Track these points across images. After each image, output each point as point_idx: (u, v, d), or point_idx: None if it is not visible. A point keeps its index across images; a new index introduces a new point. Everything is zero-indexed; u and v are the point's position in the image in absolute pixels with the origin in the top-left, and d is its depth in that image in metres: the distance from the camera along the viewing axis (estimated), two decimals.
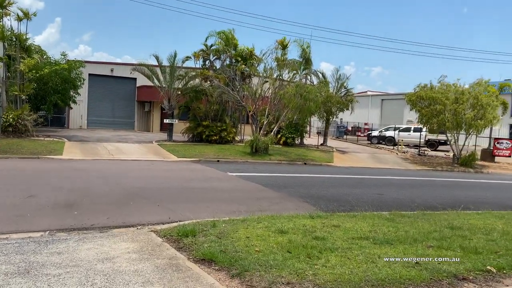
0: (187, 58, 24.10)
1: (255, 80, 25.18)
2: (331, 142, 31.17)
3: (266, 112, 22.10)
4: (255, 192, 11.17)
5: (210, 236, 6.15)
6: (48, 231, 6.60)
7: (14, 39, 20.95)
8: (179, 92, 23.67)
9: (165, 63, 23.54)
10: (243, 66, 24.61)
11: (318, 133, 31.59)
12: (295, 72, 24.51)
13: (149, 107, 32.78)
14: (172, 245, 5.83)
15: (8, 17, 20.30)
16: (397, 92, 49.85)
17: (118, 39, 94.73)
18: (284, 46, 24.64)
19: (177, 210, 8.47)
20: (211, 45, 24.74)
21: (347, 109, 28.00)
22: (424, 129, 31.57)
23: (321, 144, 28.65)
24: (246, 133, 26.94)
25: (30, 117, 20.41)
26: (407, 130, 33.39)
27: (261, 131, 21.70)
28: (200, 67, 25.26)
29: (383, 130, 35.94)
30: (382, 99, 52.20)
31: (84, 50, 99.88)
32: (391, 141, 33.61)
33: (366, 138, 38.70)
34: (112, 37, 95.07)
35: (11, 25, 21.16)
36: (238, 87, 22.76)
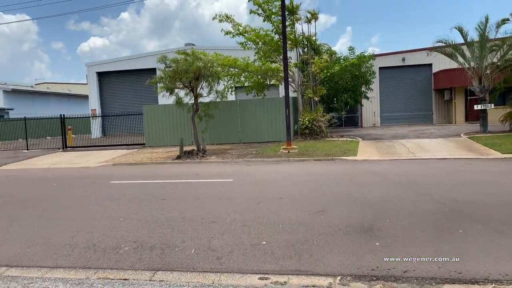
0: (504, 21, 18.05)
1: None
2: None
3: None
4: None
5: None
6: (339, 277, 4.28)
7: (306, 42, 21.29)
8: (495, 66, 17.98)
9: (472, 35, 18.49)
10: None
11: None
12: None
13: (449, 94, 27.69)
14: None
15: (299, 21, 20.81)
16: None
17: (407, 32, 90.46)
18: None
19: None
20: None
21: None
22: None
23: None
24: None
25: (323, 118, 20.12)
26: None
27: None
28: None
29: None
30: None
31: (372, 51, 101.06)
32: None
33: None
34: (400, 34, 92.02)
35: (302, 29, 21.68)
36: None
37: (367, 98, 24.72)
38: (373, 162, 13.55)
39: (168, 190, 9.84)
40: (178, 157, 16.49)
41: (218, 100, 17.81)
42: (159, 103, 26.26)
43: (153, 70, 22.59)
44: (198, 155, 16.54)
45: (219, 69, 18.53)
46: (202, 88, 17.32)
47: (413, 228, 5.78)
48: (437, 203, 7.07)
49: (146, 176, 12.53)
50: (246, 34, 21.06)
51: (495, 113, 20.09)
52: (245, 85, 22.61)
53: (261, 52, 21.41)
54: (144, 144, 22.05)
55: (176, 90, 17.04)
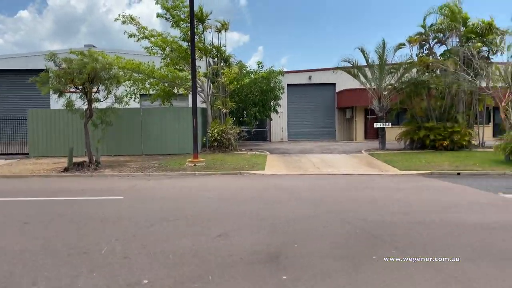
0: (400, 46, 19.34)
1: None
2: None
3: None
4: None
5: None
6: None
7: (216, 52, 20.54)
8: (392, 87, 19.08)
9: (372, 56, 19.44)
10: (479, 44, 18.17)
11: None
12: None
13: (350, 113, 29.12)
14: None
15: (208, 30, 20.02)
16: None
17: (315, 50, 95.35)
18: None
19: (470, 279, 4.13)
20: (431, 25, 19.26)
21: None
22: None
23: None
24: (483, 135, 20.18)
25: (233, 130, 19.44)
26: None
27: None
28: (416, 55, 20.03)
29: None
30: None
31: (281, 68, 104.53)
32: None
33: None
34: (308, 55, 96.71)
35: (212, 39, 20.94)
36: (479, 70, 16.56)
37: (276, 112, 24.71)
38: (281, 177, 13.07)
39: (37, 210, 8.03)
40: (66, 169, 14.32)
41: (116, 106, 16.01)
42: (51, 107, 23.19)
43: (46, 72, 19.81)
44: (90, 168, 14.55)
45: (120, 73, 16.79)
46: (99, 92, 15.44)
47: (324, 255, 5.09)
48: (348, 224, 6.56)
49: (16, 192, 10.38)
50: (152, 38, 19.63)
51: (392, 132, 21.35)
52: (151, 92, 21.03)
53: (168, 58, 20.11)
54: (27, 153, 19.07)
55: (69, 94, 14.93)
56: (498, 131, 23.69)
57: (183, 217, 7.12)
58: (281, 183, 11.64)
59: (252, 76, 21.08)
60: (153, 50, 20.01)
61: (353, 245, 5.44)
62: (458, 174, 13.82)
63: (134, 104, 21.08)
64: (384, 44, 18.73)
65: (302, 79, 30.76)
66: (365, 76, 19.70)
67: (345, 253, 5.16)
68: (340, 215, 7.15)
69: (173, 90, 20.84)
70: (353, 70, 19.99)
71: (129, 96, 19.88)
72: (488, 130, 25.28)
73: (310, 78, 30.62)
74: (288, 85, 29.97)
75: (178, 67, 19.97)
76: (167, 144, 19.28)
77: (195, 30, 19.35)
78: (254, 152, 19.44)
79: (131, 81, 19.61)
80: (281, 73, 22.58)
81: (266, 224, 6.57)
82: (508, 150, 14.63)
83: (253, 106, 21.84)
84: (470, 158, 15.99)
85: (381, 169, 14.92)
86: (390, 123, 20.00)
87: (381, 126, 19.83)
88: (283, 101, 28.68)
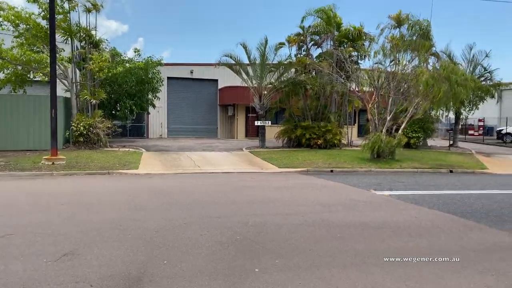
0: (281, 45, 19.60)
1: (363, 67, 19.96)
2: (445, 142, 24.50)
3: (389, 105, 16.60)
4: (466, 233, 6.02)
5: None
6: None
7: (83, 35, 18.07)
8: (273, 86, 19.24)
9: (254, 53, 19.31)
10: (351, 49, 19.46)
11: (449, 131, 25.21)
12: (415, 54, 18.76)
13: (232, 110, 28.96)
14: None
15: (75, 9, 17.49)
16: None
17: (199, 45, 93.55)
18: (399, 23, 19.07)
19: None
20: (308, 27, 19.98)
21: (493, 97, 21.35)
22: None
23: (451, 145, 22.40)
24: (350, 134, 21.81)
25: (102, 124, 17.30)
26: None
27: (384, 130, 16.30)
28: (295, 55, 20.60)
29: None
30: (502, 90, 42.95)
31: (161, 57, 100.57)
32: None
33: (483, 135, 31.34)
34: (190, 48, 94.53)
35: (78, 19, 18.38)
36: (350, 73, 17.62)
37: (154, 106, 23.01)
38: (156, 176, 11.83)
39: None
40: None
41: None
42: None
43: None
44: None
45: None
46: None
47: (199, 272, 4.21)
48: (227, 230, 5.81)
49: None
50: (1, 12, 16.31)
51: (272, 130, 21.63)
52: None
53: (23, 38, 16.97)
54: None
55: None
56: (363, 131, 26.03)
57: (21, 232, 5.52)
58: (155, 183, 10.44)
59: (127, 65, 19.12)
60: (3, 26, 16.68)
61: (234, 257, 4.69)
62: (331, 171, 14.39)
63: None
64: (266, 41, 18.77)
65: (183, 73, 29.51)
66: (247, 73, 19.51)
67: (224, 267, 4.37)
68: (220, 220, 6.37)
69: (28, 75, 17.71)
70: (235, 66, 19.62)
71: None
72: (354, 130, 27.63)
73: (192, 72, 29.56)
74: (169, 78, 28.45)
75: (35, 48, 16.99)
76: (19, 138, 16.26)
77: (59, 7, 16.72)
78: (127, 149, 17.64)
79: None
80: (160, 63, 21.05)
81: (131, 236, 5.42)
82: (372, 149, 15.81)
83: (128, 98, 19.87)
84: (341, 156, 16.90)
85: (261, 167, 14.76)
86: (270, 122, 20.19)
87: (262, 124, 19.89)
88: (163, 95, 27.10)
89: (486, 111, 43.37)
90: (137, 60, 19.64)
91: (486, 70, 21.21)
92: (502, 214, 7.22)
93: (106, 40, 20.20)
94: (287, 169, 14.21)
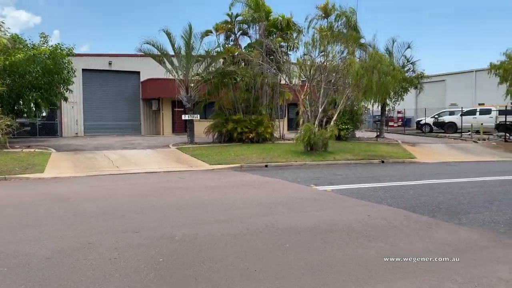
0: (208, 32, 18.28)
1: (292, 58, 19.49)
2: (371, 134, 25.20)
3: (320, 97, 16.17)
4: (427, 231, 5.37)
5: None
6: None
7: None
8: (200, 77, 17.91)
9: (179, 41, 17.76)
10: (280, 39, 18.76)
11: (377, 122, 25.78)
12: (343, 45, 18.66)
13: (157, 105, 26.94)
14: None
15: None
16: (436, 73, 43.26)
17: (119, 37, 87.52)
18: (327, 13, 18.81)
19: None
20: (237, 15, 18.89)
21: (416, 88, 22.03)
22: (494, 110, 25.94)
23: (378, 136, 22.87)
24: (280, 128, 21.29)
25: (1, 121, 14.68)
26: (472, 113, 27.33)
27: (316, 122, 15.83)
28: (222, 45, 19.39)
29: (437, 116, 30.06)
30: (422, 82, 45.77)
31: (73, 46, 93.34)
32: (452, 127, 27.75)
33: (402, 126, 33.09)
34: (112, 42, 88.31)
35: None
36: (281, 63, 16.89)
37: (66, 99, 20.33)
38: (65, 181, 10.00)
39: None
40: None
41: None
42: None
43: None
44: None
45: None
46: None
47: None
48: (147, 249, 4.51)
49: None
50: None
51: (201, 125, 20.23)
52: None
53: None
54: None
55: None
56: (294, 124, 25.69)
57: None
58: (62, 190, 8.68)
59: (30, 52, 16.47)
60: None
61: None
62: (266, 166, 13.57)
63: None
64: (190, 28, 17.27)
65: (101, 64, 26.77)
66: (172, 63, 17.91)
67: None
68: (138, 235, 5.04)
69: None
70: (159, 56, 17.92)
71: None
72: (285, 124, 27.22)
73: (110, 64, 26.93)
74: (84, 70, 25.62)
75: None
76: None
77: None
78: (33, 150, 15.19)
79: None
80: (71, 52, 18.58)
81: (8, 269, 3.90)
82: (306, 141, 15.26)
83: (32, 91, 17.18)
84: (274, 150, 16.15)
85: (191, 164, 13.46)
86: (198, 115, 18.81)
87: (189, 119, 18.44)
88: (78, 88, 24.33)
89: (405, 103, 46.08)
90: (44, 47, 17.04)
91: (409, 62, 21.87)
92: (451, 206, 6.79)
93: (3, 23, 17.21)
94: (219, 166, 13.08)
